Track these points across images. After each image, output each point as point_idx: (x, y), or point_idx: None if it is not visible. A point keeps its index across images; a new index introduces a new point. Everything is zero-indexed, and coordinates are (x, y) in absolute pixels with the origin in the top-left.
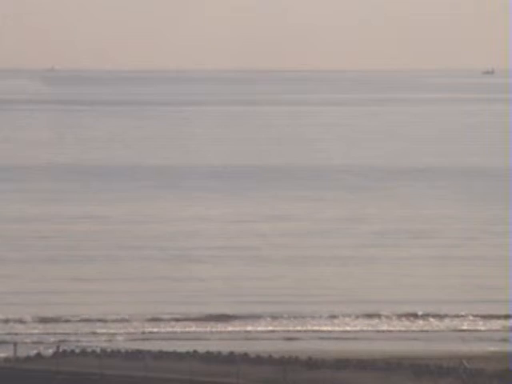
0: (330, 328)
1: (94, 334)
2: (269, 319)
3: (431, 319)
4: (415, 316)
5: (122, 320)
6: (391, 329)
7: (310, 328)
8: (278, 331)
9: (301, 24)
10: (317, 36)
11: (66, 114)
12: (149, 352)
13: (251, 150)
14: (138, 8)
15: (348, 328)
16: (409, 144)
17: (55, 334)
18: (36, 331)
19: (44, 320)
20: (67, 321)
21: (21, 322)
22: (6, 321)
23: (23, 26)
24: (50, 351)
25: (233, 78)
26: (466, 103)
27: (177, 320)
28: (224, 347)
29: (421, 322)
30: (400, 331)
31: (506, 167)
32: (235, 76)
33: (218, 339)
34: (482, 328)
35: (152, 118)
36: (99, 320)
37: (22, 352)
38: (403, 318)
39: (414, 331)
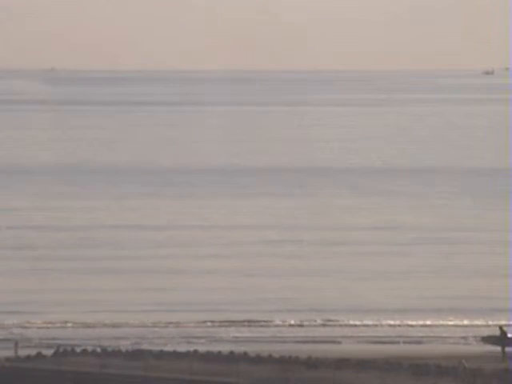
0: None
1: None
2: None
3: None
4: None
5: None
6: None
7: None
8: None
9: (301, 24)
10: (317, 36)
11: (66, 115)
12: (149, 352)
13: (252, 150)
14: (138, 8)
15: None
16: (410, 145)
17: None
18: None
19: (46, 325)
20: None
21: (25, 327)
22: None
23: (23, 27)
24: (51, 351)
25: (232, 78)
26: (466, 104)
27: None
28: (224, 347)
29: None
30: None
31: None
32: (235, 76)
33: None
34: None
35: (152, 119)
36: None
37: (23, 351)
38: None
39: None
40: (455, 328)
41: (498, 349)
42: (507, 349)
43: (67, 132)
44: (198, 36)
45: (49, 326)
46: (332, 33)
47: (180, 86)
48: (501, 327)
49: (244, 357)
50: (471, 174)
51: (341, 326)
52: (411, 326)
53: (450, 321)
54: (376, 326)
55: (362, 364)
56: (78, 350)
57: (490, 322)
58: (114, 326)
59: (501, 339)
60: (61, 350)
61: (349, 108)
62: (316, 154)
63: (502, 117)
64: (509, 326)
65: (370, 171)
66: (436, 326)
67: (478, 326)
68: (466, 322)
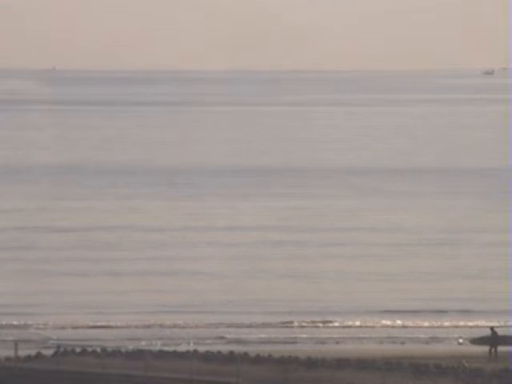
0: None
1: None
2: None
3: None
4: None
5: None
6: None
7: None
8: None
9: (300, 24)
10: (315, 36)
11: (66, 115)
12: (149, 352)
13: (253, 151)
14: (138, 8)
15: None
16: (410, 145)
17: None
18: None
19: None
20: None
21: (25, 327)
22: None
23: (23, 27)
24: (51, 351)
25: (232, 78)
26: (466, 104)
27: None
28: (224, 347)
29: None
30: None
31: None
32: (235, 76)
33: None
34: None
35: (153, 119)
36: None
37: (23, 351)
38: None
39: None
40: (455, 329)
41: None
42: (502, 348)
43: (67, 132)
44: (198, 36)
45: (49, 326)
46: (332, 33)
47: (180, 86)
48: (492, 328)
49: (244, 357)
50: (471, 175)
51: (341, 326)
52: (411, 326)
53: (450, 321)
54: (376, 326)
55: (362, 364)
56: (78, 349)
57: (490, 324)
58: (114, 326)
59: (492, 340)
60: (61, 349)
61: (349, 108)
62: (316, 154)
63: (502, 117)
64: (509, 327)
65: (371, 171)
66: (436, 326)
67: (478, 326)
68: (466, 323)
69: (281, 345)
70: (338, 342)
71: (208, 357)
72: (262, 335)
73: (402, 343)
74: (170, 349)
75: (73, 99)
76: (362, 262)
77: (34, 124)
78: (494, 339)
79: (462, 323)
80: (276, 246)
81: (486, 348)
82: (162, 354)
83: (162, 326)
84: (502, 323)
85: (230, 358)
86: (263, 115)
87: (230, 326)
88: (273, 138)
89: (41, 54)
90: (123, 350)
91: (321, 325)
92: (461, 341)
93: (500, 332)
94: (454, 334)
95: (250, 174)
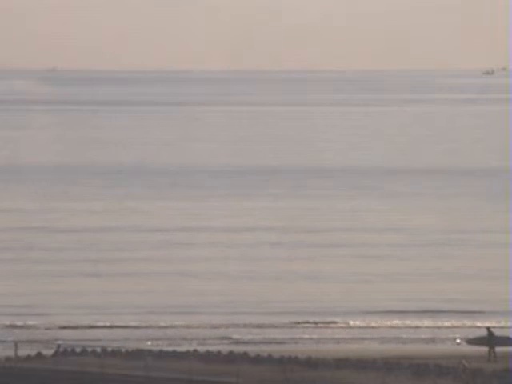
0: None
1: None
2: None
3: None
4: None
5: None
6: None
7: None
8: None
9: (300, 24)
10: (315, 36)
11: (66, 115)
12: (149, 352)
13: (252, 151)
14: (138, 8)
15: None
16: (410, 145)
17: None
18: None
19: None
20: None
21: (25, 327)
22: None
23: (23, 27)
24: (51, 351)
25: (232, 78)
26: (466, 104)
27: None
28: (224, 347)
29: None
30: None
31: None
32: (235, 76)
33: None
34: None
35: (153, 119)
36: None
37: (23, 351)
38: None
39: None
40: (455, 329)
41: (498, 350)
42: (502, 349)
43: (68, 132)
44: (198, 36)
45: (49, 326)
46: (332, 33)
47: (180, 86)
48: (488, 328)
49: (244, 357)
50: (471, 175)
51: (341, 326)
52: (411, 326)
53: (450, 322)
54: (376, 327)
55: (362, 364)
56: (78, 349)
57: (489, 324)
58: (114, 326)
59: (489, 340)
60: (61, 350)
61: (349, 108)
62: (316, 154)
63: (501, 116)
64: (509, 327)
65: (371, 171)
66: (436, 326)
67: (478, 327)
68: (466, 324)
69: (281, 345)
70: (338, 342)
71: (208, 357)
72: (262, 335)
73: (402, 343)
74: (170, 349)
75: (73, 99)
76: (361, 263)
77: (34, 124)
78: (490, 339)
79: (461, 323)
80: (276, 247)
81: (483, 348)
82: (162, 354)
83: (162, 326)
84: (502, 324)
85: (230, 358)
86: (263, 115)
87: (230, 326)
88: (273, 138)
89: (41, 54)
90: (123, 350)
91: (321, 325)
92: (458, 341)
93: (498, 332)
94: (453, 334)
95: (250, 174)
